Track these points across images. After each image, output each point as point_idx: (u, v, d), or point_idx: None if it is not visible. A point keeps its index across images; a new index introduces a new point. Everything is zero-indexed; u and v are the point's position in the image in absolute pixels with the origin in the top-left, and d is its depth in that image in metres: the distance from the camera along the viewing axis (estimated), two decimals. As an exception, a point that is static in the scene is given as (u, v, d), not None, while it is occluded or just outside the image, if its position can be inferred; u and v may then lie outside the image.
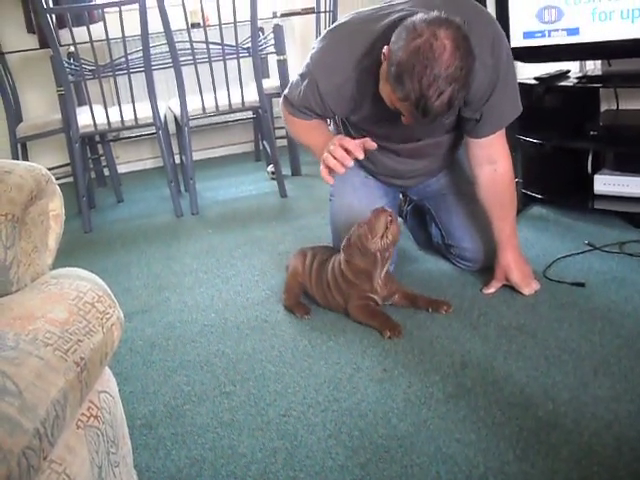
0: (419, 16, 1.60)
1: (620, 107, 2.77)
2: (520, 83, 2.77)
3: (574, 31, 2.53)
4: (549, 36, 2.60)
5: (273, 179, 3.68)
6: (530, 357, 1.68)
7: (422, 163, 2.16)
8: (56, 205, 1.24)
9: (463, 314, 1.95)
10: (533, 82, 2.75)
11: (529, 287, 2.02)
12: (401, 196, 2.52)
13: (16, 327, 0.94)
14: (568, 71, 2.81)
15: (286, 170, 3.69)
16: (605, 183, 2.59)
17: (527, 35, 2.66)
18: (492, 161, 2.00)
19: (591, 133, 2.59)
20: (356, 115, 2.00)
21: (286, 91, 2.05)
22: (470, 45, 1.60)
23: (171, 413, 1.63)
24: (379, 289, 1.99)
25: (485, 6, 2.62)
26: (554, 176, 2.77)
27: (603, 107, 2.83)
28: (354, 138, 1.90)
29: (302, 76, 1.95)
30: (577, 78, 2.67)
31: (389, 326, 1.89)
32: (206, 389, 1.72)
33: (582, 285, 2.03)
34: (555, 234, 2.49)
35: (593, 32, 2.48)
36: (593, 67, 2.85)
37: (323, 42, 1.92)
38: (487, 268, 2.17)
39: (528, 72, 3.01)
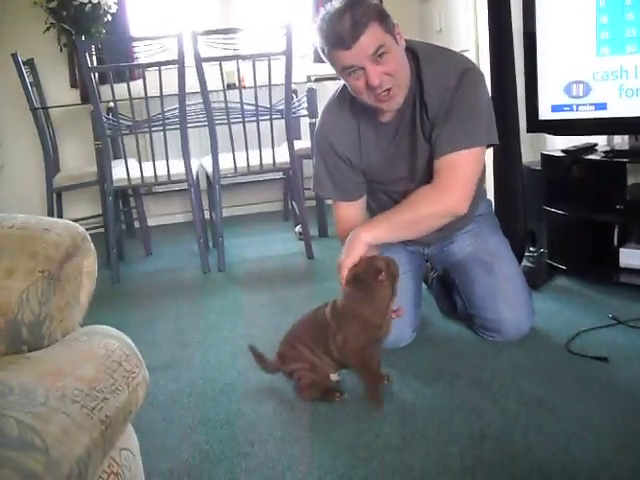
0: None
1: (647, 182, 2.79)
2: (547, 155, 2.83)
3: (602, 106, 2.58)
4: (577, 110, 2.65)
5: (301, 239, 3.72)
6: (549, 432, 1.66)
7: None
8: (90, 263, 1.28)
9: (484, 385, 1.94)
10: (560, 154, 2.79)
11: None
12: (428, 264, 2.54)
13: (46, 383, 0.98)
14: (595, 144, 2.85)
15: (314, 231, 3.73)
16: (631, 257, 2.60)
17: (555, 108, 2.71)
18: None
19: (617, 207, 2.61)
20: (365, 159, 2.09)
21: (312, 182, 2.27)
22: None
23: (189, 472, 1.64)
24: (385, 325, 1.85)
25: (515, 80, 2.68)
26: (579, 248, 2.78)
27: (630, 181, 2.84)
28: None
29: (315, 148, 2.18)
30: (604, 152, 2.70)
31: (375, 393, 1.87)
32: (224, 449, 1.73)
33: (605, 360, 2.01)
34: (579, 306, 2.48)
35: (620, 108, 2.52)
36: (620, 141, 2.89)
37: (322, 113, 2.16)
38: (511, 339, 2.19)
39: (556, 144, 3.05)
